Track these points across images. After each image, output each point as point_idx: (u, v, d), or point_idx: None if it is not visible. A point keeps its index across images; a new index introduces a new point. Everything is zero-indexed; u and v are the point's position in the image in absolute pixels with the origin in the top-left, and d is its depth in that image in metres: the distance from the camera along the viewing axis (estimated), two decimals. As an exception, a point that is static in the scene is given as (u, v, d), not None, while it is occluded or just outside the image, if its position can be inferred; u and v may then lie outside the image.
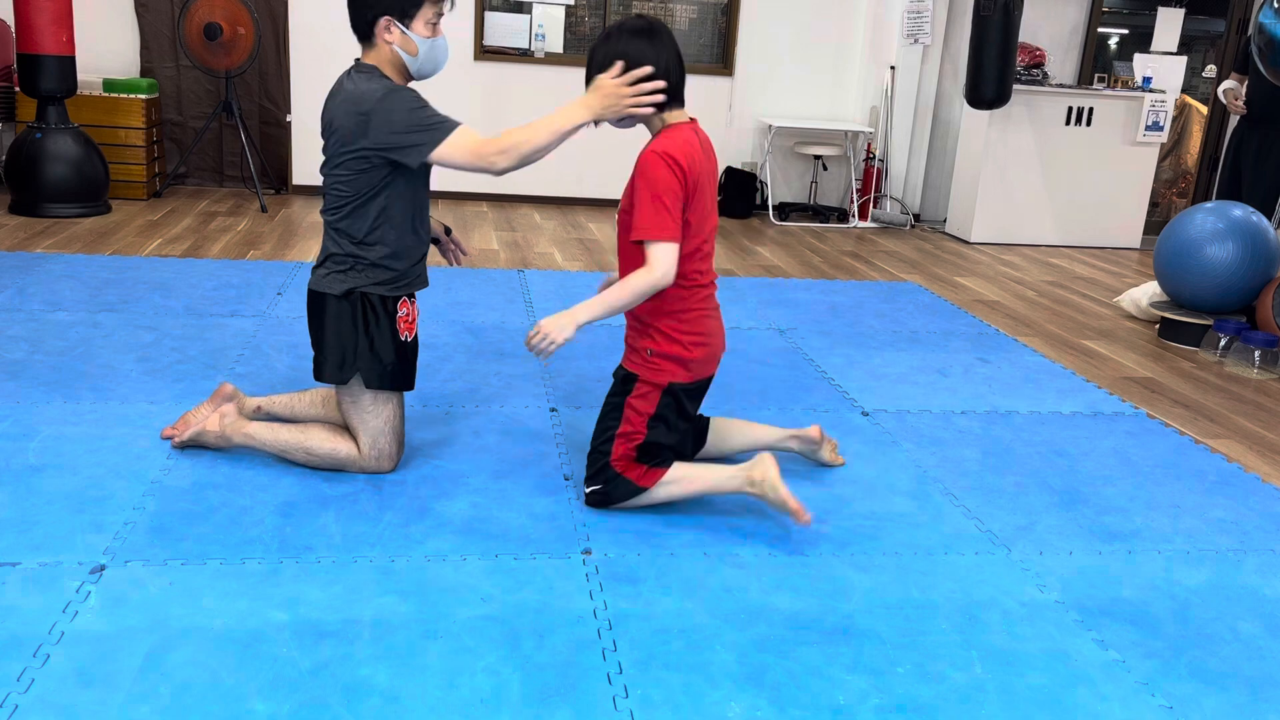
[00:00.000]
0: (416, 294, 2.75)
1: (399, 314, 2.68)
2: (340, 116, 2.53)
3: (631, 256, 2.56)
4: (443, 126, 2.51)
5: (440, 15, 2.61)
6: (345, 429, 2.77)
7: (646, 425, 2.58)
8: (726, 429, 2.89)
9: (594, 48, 2.53)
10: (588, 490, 2.64)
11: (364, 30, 2.58)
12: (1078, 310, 5.31)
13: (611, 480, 2.60)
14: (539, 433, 3.15)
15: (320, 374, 2.69)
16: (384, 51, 2.59)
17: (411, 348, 2.75)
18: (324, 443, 2.72)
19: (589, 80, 2.53)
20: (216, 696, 1.84)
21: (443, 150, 2.50)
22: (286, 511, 2.53)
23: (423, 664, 1.97)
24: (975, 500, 2.88)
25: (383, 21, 2.54)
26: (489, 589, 2.25)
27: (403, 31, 2.56)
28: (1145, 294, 5.17)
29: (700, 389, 2.65)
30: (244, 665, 1.93)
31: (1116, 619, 2.31)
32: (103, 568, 2.23)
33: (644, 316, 2.58)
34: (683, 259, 2.50)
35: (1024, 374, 4.06)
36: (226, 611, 2.10)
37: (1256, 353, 4.37)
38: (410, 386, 2.76)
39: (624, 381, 2.60)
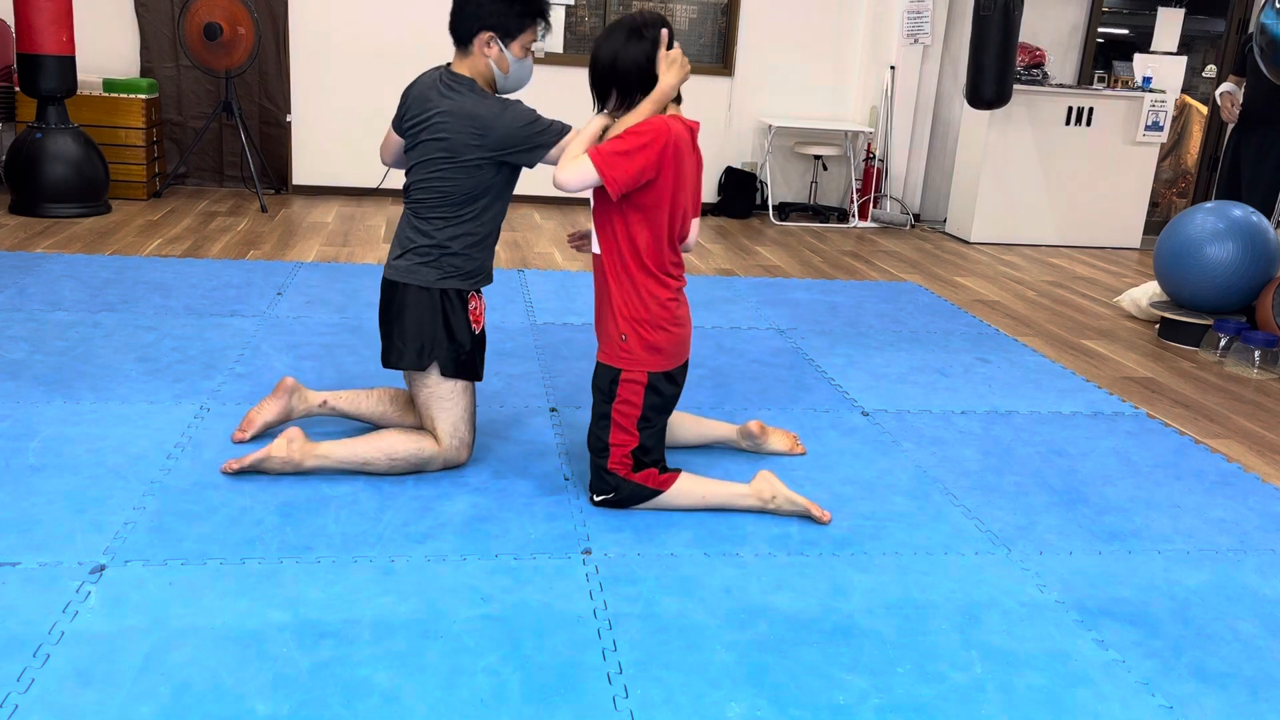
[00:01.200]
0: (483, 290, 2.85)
1: (469, 306, 2.76)
2: (454, 131, 2.61)
3: (602, 239, 2.58)
4: (563, 131, 2.63)
5: (535, 40, 2.71)
6: (418, 429, 2.80)
7: (637, 428, 2.59)
8: (677, 421, 2.95)
9: (614, 48, 2.53)
10: (598, 499, 2.65)
11: (464, 37, 2.66)
12: (1078, 310, 5.31)
13: (621, 486, 2.61)
14: (539, 433, 3.15)
15: (399, 361, 2.73)
16: (479, 63, 2.68)
17: (480, 340, 2.81)
18: (406, 445, 2.73)
19: (611, 77, 2.53)
20: (216, 696, 1.84)
21: (554, 154, 2.61)
22: (286, 511, 2.53)
23: (423, 664, 1.97)
24: (975, 500, 2.88)
25: (485, 35, 2.64)
26: (489, 589, 2.25)
27: (501, 49, 2.65)
28: (1145, 294, 5.17)
29: (676, 379, 2.65)
30: (244, 665, 1.93)
31: (1116, 619, 2.31)
32: (103, 568, 2.23)
33: (616, 306, 2.57)
34: (659, 249, 2.55)
35: (1024, 374, 4.06)
36: (226, 611, 2.10)
37: (1256, 353, 4.37)
38: (480, 377, 2.83)
39: (608, 388, 2.60)
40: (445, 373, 2.74)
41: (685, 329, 2.64)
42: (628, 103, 2.54)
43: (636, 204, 2.50)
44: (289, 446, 2.68)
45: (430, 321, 2.71)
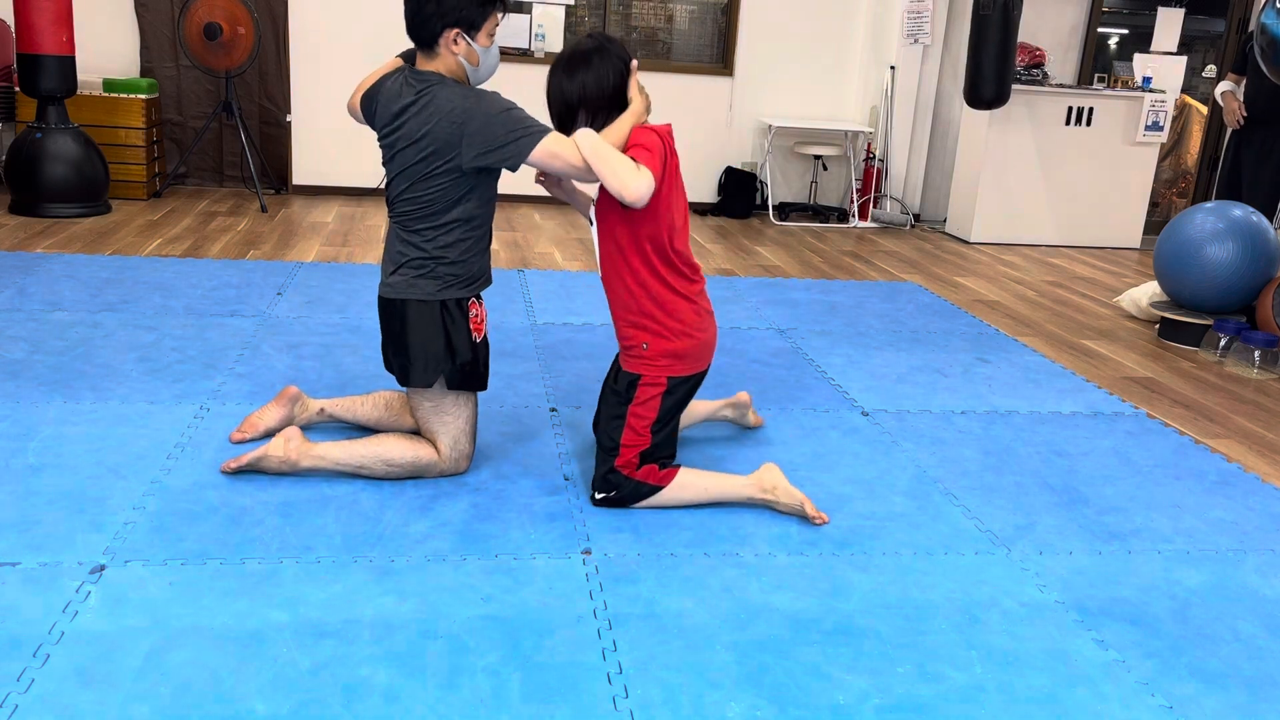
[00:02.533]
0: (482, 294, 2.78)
1: (470, 315, 2.70)
2: (431, 127, 2.52)
3: (609, 252, 2.59)
4: (544, 132, 2.51)
5: (498, 24, 2.63)
6: (416, 435, 2.78)
7: (650, 431, 2.61)
8: None
9: (567, 81, 2.57)
10: (599, 497, 2.65)
11: (429, 40, 2.58)
12: (1078, 310, 5.31)
13: (623, 485, 2.62)
14: (539, 433, 3.15)
15: (407, 380, 2.69)
16: (448, 61, 2.59)
17: (484, 347, 2.77)
18: (404, 452, 2.70)
19: (569, 108, 2.57)
20: (216, 696, 1.84)
21: (538, 155, 2.50)
22: (286, 511, 2.53)
23: (423, 664, 1.97)
24: (975, 500, 2.88)
25: (451, 33, 2.55)
26: (489, 589, 2.25)
27: (469, 43, 2.58)
28: (1145, 294, 5.17)
29: (695, 384, 2.67)
30: (244, 665, 1.93)
31: (1116, 619, 2.31)
32: (103, 568, 2.23)
33: (636, 313, 2.59)
34: (668, 252, 2.57)
35: (1024, 374, 4.06)
36: (226, 611, 2.10)
37: (1256, 353, 4.37)
38: (485, 386, 2.79)
39: (625, 390, 2.61)
40: (451, 385, 2.70)
41: (708, 333, 2.65)
42: (599, 122, 2.55)
43: (646, 209, 2.51)
44: (286, 446, 2.68)
45: (432, 337, 2.65)
